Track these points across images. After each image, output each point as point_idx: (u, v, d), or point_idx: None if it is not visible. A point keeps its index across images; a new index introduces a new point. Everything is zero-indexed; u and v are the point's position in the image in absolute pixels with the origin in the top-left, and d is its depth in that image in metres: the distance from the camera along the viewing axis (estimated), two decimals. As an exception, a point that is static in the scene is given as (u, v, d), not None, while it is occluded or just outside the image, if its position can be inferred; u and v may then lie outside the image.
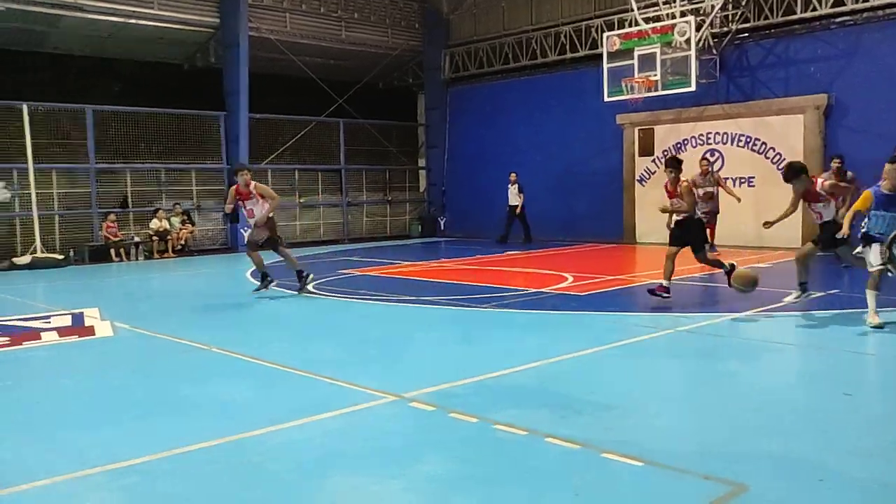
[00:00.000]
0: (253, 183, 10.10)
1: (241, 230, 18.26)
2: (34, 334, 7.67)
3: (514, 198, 18.13)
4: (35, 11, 15.49)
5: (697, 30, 15.22)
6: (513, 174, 18.18)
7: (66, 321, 8.44)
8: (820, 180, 8.03)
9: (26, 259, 15.08)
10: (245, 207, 10.21)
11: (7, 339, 7.46)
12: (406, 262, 14.65)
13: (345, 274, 12.75)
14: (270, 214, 10.13)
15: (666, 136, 17.32)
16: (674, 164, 8.77)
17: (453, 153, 22.25)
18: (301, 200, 20.84)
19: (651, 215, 16.06)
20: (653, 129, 17.51)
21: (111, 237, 16.55)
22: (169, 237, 17.26)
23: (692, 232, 8.73)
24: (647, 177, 17.64)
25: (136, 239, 17.05)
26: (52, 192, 16.38)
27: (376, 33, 21.07)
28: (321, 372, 5.76)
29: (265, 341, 7.21)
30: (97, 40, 17.36)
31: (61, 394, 5.57)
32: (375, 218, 22.60)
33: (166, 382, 5.77)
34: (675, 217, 8.81)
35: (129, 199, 17.70)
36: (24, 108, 15.24)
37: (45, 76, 16.96)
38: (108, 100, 16.79)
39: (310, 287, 10.20)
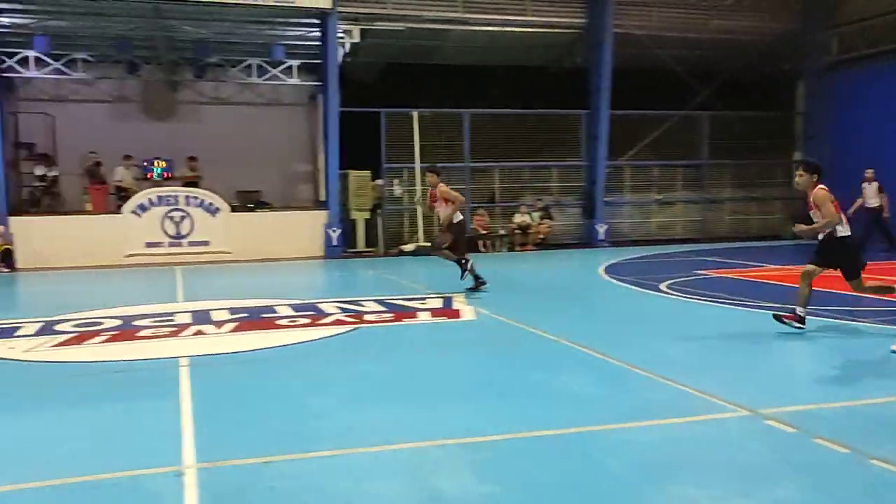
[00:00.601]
0: (439, 186, 10.22)
1: (596, 227, 18.65)
2: (412, 313, 8.74)
3: (874, 198, 15.87)
4: (428, 28, 17.63)
5: None
6: (870, 171, 15.98)
7: (438, 304, 9.44)
8: None
9: (411, 247, 17.31)
10: (436, 210, 10.43)
11: (392, 315, 8.66)
12: (772, 266, 13.42)
13: (701, 274, 12.16)
14: (455, 220, 10.12)
15: None
16: None
17: (839, 145, 19.55)
18: (658, 197, 20.41)
19: None
20: None
21: (480, 229, 18.13)
22: (530, 231, 18.30)
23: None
24: None
25: (502, 232, 18.42)
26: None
27: (750, 19, 19.44)
28: (667, 374, 5.57)
29: (612, 338, 7.22)
30: (476, 50, 19.10)
31: (430, 367, 6.25)
32: (739, 216, 21.08)
33: (519, 367, 6.11)
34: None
35: (497, 195, 19.24)
36: (413, 114, 17.56)
37: (434, 85, 19.20)
38: (485, 104, 18.40)
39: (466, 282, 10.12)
